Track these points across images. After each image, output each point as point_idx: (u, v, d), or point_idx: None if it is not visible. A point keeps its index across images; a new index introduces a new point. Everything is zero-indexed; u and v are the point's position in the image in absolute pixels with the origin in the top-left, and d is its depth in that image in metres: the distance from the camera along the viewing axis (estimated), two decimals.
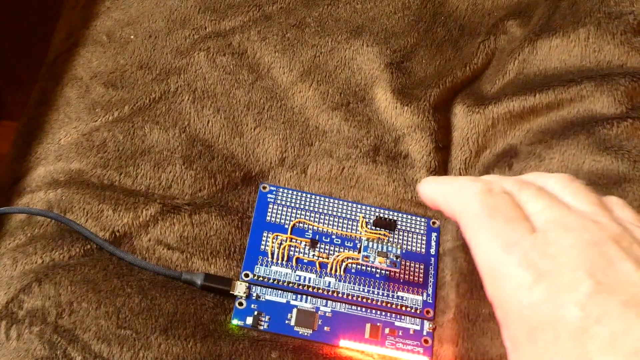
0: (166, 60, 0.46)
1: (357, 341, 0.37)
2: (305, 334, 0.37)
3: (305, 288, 0.38)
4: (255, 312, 0.37)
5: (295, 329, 0.37)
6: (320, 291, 0.38)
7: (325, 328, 0.37)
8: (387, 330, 0.37)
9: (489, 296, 0.28)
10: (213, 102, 0.44)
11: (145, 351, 0.35)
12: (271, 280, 0.38)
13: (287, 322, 0.37)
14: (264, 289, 0.38)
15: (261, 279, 0.38)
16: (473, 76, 0.47)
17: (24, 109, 0.47)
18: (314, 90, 0.44)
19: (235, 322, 0.36)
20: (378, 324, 0.37)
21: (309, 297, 0.38)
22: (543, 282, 0.25)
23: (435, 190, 0.32)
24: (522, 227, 0.27)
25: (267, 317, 0.37)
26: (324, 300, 0.38)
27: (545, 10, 0.47)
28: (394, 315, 0.38)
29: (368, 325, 0.37)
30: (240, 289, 0.37)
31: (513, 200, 0.29)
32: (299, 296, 0.38)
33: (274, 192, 0.41)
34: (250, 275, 0.38)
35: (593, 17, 0.45)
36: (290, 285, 0.38)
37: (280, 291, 0.38)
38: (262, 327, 0.36)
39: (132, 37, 0.47)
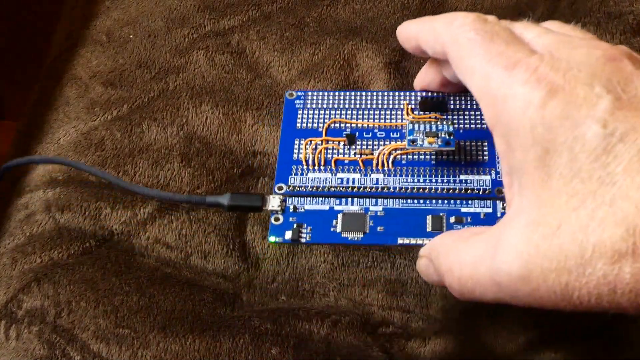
0: (165, 59, 0.46)
1: (418, 237, 0.33)
2: (356, 238, 0.33)
3: (350, 190, 0.34)
4: (295, 225, 0.33)
5: (343, 235, 0.33)
6: (367, 190, 0.34)
7: (379, 228, 0.33)
8: (452, 219, 0.33)
9: (489, 124, 0.26)
10: (211, 100, 0.44)
11: (144, 350, 0.35)
12: (309, 189, 0.34)
13: (332, 229, 0.33)
14: (302, 200, 0.34)
15: (297, 189, 0.34)
16: None
17: (24, 109, 0.47)
18: (312, 87, 0.44)
19: (272, 239, 0.33)
20: (441, 214, 0.33)
21: (355, 199, 0.34)
22: (556, 97, 0.23)
23: (421, 26, 0.30)
24: (524, 48, 0.25)
25: (309, 227, 0.33)
26: (373, 200, 0.34)
27: (545, 10, 0.47)
28: (458, 201, 0.34)
29: (429, 218, 0.33)
30: (273, 202, 0.34)
31: (509, 28, 0.27)
32: (343, 200, 0.34)
33: (302, 97, 0.38)
34: (285, 188, 0.34)
35: (592, 17, 0.45)
36: (332, 190, 0.34)
37: (320, 198, 0.34)
38: (304, 240, 0.33)
39: (131, 36, 0.47)
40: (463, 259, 0.26)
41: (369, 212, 0.33)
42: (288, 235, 0.33)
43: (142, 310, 0.36)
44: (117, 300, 0.36)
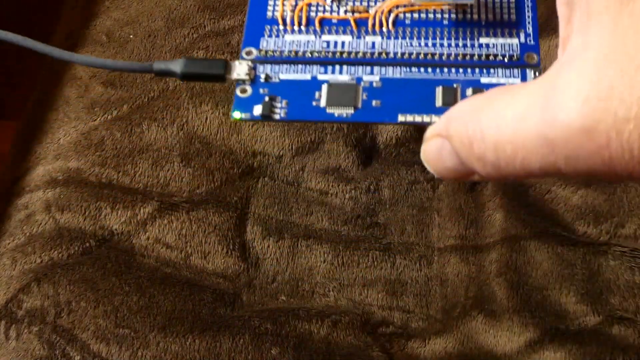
0: (165, 59, 0.46)
1: (424, 113, 0.26)
2: (344, 115, 0.26)
3: (338, 56, 0.27)
4: (267, 98, 0.26)
5: (328, 110, 0.26)
6: (360, 56, 0.27)
7: (374, 103, 0.26)
8: (469, 92, 0.26)
9: None
10: (211, 99, 0.44)
11: (143, 350, 0.35)
12: (286, 54, 0.27)
13: (314, 103, 0.26)
14: (277, 67, 0.27)
15: (271, 54, 0.27)
16: None
17: (24, 109, 0.47)
18: None
19: (237, 114, 0.26)
20: (455, 85, 0.26)
21: (345, 67, 0.27)
22: None
23: None
24: None
25: (284, 101, 0.26)
26: (368, 67, 0.27)
27: (545, 10, 0.47)
28: (477, 70, 0.27)
29: (439, 89, 0.26)
30: (240, 70, 0.26)
31: None
32: (330, 68, 0.27)
33: None
34: (255, 52, 0.27)
35: None
36: (315, 55, 0.27)
37: (300, 65, 0.27)
38: (277, 116, 0.26)
39: (131, 36, 0.47)
40: (500, 118, 0.20)
41: (362, 83, 0.26)
42: (257, 110, 0.26)
43: (142, 310, 0.36)
44: (117, 300, 0.36)
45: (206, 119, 0.43)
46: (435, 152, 0.23)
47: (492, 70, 0.27)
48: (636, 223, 0.38)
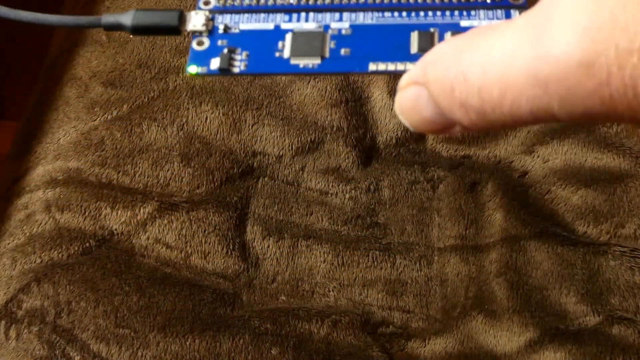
0: (165, 59, 0.46)
1: (398, 60, 0.23)
2: (310, 65, 0.24)
3: (304, 2, 0.25)
4: (225, 50, 0.24)
5: (293, 62, 0.24)
6: (326, 2, 0.25)
7: (342, 51, 0.24)
8: (447, 37, 0.24)
9: None
10: (211, 99, 0.44)
11: (143, 350, 0.35)
12: (247, 2, 0.25)
13: (277, 54, 0.24)
14: (236, 17, 0.25)
15: (230, 2, 0.25)
16: None
17: (24, 109, 0.47)
18: (312, 87, 0.44)
19: (193, 69, 0.24)
20: (431, 30, 0.24)
21: (311, 15, 0.25)
22: None
23: None
24: None
25: (245, 53, 0.24)
26: (336, 15, 0.25)
27: None
28: (456, 12, 0.24)
29: (414, 34, 0.24)
30: (196, 21, 0.24)
31: None
32: (295, 16, 0.25)
33: None
34: (213, 2, 0.25)
35: None
36: (279, 2, 0.25)
37: (262, 14, 0.25)
38: (236, 70, 0.24)
39: (131, 36, 0.47)
40: (485, 58, 0.18)
41: (330, 31, 0.24)
42: (215, 63, 0.24)
43: (142, 310, 0.36)
44: (117, 300, 0.36)
45: (206, 119, 0.43)
46: (410, 101, 0.21)
47: (472, 12, 0.24)
48: (636, 223, 0.38)
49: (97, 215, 0.39)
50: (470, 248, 0.40)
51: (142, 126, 0.43)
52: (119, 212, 0.39)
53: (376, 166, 0.43)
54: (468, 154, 0.44)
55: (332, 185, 0.42)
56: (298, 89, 0.45)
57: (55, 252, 0.38)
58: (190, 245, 0.39)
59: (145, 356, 0.35)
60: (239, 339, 0.36)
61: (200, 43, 0.24)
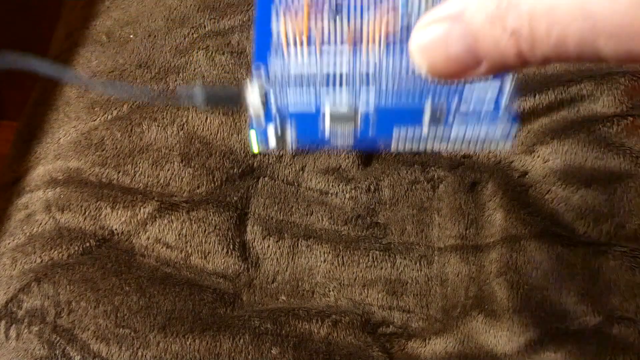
0: (165, 59, 0.46)
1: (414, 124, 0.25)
2: (345, 145, 0.27)
3: (338, 77, 0.27)
4: (279, 132, 0.27)
5: (333, 142, 0.27)
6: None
7: (370, 133, 0.27)
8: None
9: None
10: None
11: (144, 350, 0.35)
12: (292, 78, 0.27)
13: (320, 135, 0.27)
14: (284, 91, 0.27)
15: (279, 78, 0.27)
16: None
17: (24, 109, 0.47)
18: None
19: (256, 148, 0.27)
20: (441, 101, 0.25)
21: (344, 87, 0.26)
22: None
23: None
24: None
25: (294, 133, 0.27)
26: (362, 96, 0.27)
27: None
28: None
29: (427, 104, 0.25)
30: (253, 98, 0.26)
31: None
32: (331, 89, 0.27)
33: None
34: (264, 75, 0.26)
35: None
36: (318, 78, 0.27)
37: (305, 87, 0.27)
38: (289, 149, 0.27)
39: (131, 36, 0.47)
40: None
41: (359, 113, 0.27)
42: (272, 142, 0.26)
43: (142, 310, 0.36)
44: (117, 300, 0.36)
45: (206, 118, 0.43)
46: (438, 38, 0.19)
47: None
48: (636, 223, 0.38)
49: (97, 215, 0.39)
50: (470, 248, 0.40)
51: (142, 126, 0.43)
52: (119, 212, 0.39)
53: (376, 166, 0.43)
54: (468, 154, 0.44)
55: (332, 185, 0.42)
56: None
57: (56, 252, 0.38)
58: (190, 245, 0.39)
59: (145, 356, 0.35)
60: (239, 339, 0.36)
61: (259, 124, 0.27)
